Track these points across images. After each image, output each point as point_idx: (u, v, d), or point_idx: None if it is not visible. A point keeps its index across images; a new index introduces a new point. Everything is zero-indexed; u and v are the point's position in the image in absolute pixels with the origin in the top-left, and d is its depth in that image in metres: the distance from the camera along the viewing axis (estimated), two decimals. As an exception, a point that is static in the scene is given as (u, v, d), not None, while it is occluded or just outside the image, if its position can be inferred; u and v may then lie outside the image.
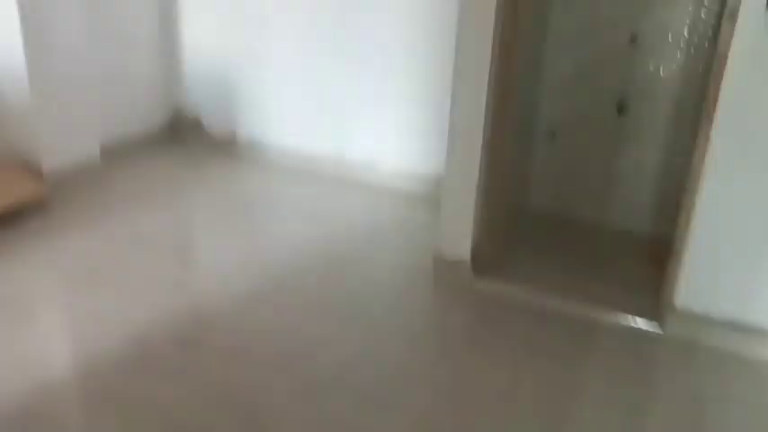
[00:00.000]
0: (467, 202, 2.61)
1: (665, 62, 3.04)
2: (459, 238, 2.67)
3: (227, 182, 3.85)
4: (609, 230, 3.31)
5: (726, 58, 2.12)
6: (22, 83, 3.27)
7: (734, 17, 2.09)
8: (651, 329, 2.49)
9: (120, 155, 3.93)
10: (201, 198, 3.63)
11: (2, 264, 2.76)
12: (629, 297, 2.67)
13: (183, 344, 2.29)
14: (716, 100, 2.16)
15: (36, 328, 2.37)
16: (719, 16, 2.57)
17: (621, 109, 3.18)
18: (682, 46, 2.99)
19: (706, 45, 2.92)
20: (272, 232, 3.24)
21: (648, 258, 3.00)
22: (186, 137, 4.33)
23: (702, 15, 2.91)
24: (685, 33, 2.97)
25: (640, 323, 2.51)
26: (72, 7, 3.42)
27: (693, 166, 2.29)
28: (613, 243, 3.21)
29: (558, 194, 3.44)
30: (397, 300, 2.68)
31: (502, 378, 2.20)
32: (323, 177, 3.91)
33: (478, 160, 2.54)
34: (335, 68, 3.80)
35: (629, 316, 2.54)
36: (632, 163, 3.24)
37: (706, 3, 2.89)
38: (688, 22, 2.95)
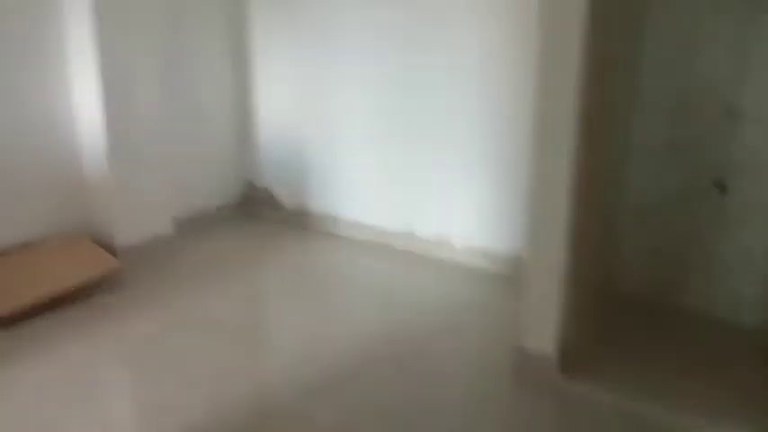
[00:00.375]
0: (551, 289, 2.35)
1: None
2: (544, 329, 2.40)
3: (298, 257, 3.76)
4: (712, 322, 2.94)
5: None
6: (100, 157, 3.34)
7: None
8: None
9: (193, 228, 3.93)
10: (272, 275, 3.54)
11: (70, 341, 2.71)
12: (744, 407, 2.29)
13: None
14: None
15: (94, 413, 2.27)
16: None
17: (721, 187, 2.88)
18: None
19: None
20: (343, 316, 3.06)
21: (765, 360, 2.62)
22: (258, 210, 4.31)
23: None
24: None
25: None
26: (151, 83, 3.51)
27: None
28: (720, 338, 2.83)
29: (650, 279, 3.12)
30: (474, 404, 2.39)
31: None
32: (394, 253, 3.75)
33: (563, 242, 2.30)
34: (406, 141, 3.70)
35: None
36: (738, 248, 2.90)
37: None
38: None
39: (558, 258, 2.32)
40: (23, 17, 3.13)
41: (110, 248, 3.33)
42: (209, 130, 4.08)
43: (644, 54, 2.93)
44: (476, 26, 3.35)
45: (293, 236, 4.01)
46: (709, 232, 2.95)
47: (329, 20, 3.80)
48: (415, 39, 3.54)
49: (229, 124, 4.20)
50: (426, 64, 3.53)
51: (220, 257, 3.66)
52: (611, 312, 3.01)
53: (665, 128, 2.95)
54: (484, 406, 2.36)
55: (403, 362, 2.63)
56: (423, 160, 3.67)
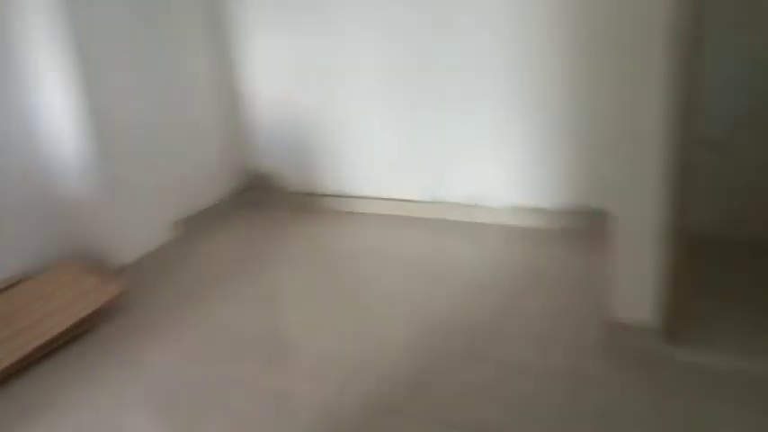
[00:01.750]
0: (649, 249, 1.96)
1: None
2: (643, 297, 2.02)
3: (317, 242, 3.34)
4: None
5: None
6: (84, 172, 2.87)
7: None
8: None
9: (196, 228, 3.49)
10: (292, 268, 3.10)
11: (81, 388, 2.30)
12: None
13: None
14: None
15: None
16: None
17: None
18: None
19: None
20: (382, 299, 2.66)
21: None
22: (263, 198, 3.86)
23: None
24: None
25: None
26: (128, 78, 3.01)
27: None
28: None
29: (739, 216, 2.73)
30: (572, 393, 2.03)
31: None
32: (424, 222, 3.35)
33: (660, 193, 1.90)
34: (423, 101, 3.27)
35: None
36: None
37: None
38: None
39: (657, 214, 1.93)
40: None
41: (109, 270, 2.90)
42: (197, 120, 3.59)
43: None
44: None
45: (307, 220, 3.58)
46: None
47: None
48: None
49: (219, 110, 3.72)
50: (440, 7, 3.07)
51: (230, 258, 3.24)
52: (698, 260, 2.63)
53: (741, 43, 2.53)
54: (585, 393, 1.99)
55: (465, 350, 2.26)
56: (444, 119, 3.25)
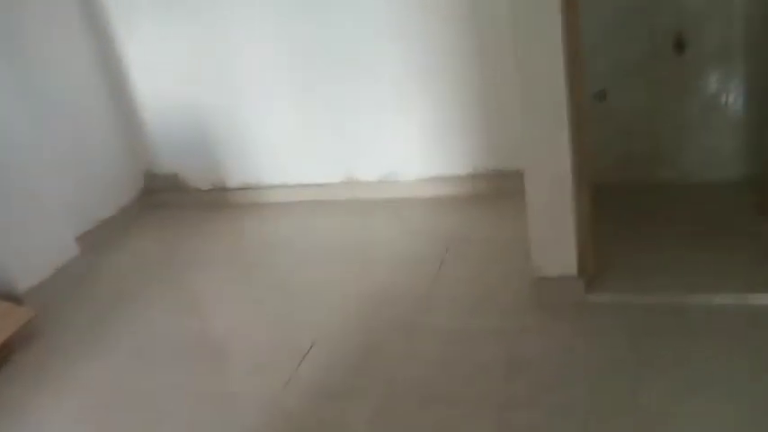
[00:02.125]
0: (563, 204, 2.08)
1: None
2: (563, 251, 2.14)
3: (231, 237, 3.27)
4: (695, 188, 2.82)
5: None
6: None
7: None
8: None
9: (102, 241, 3.31)
10: (209, 267, 3.01)
11: (5, 417, 2.15)
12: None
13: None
14: None
15: None
16: None
17: (680, 45, 2.69)
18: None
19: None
20: (309, 287, 2.65)
21: (759, 211, 2.53)
22: (167, 199, 3.71)
23: None
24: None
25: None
26: (4, 99, 2.79)
27: None
28: (711, 200, 2.72)
29: (621, 160, 2.94)
30: (508, 347, 2.13)
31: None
32: (339, 205, 3.35)
33: (568, 145, 2.02)
34: (325, 83, 3.24)
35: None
36: (702, 104, 2.75)
37: None
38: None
39: (563, 166, 2.04)
40: None
41: (13, 297, 2.70)
42: (85, 127, 3.37)
43: None
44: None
45: (218, 217, 3.48)
46: (670, 97, 2.78)
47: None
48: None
49: (107, 114, 3.51)
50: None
51: (146, 264, 3.11)
52: (601, 206, 2.80)
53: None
54: (522, 346, 2.09)
55: (414, 318, 2.31)
56: (346, 97, 3.24)
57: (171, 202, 3.70)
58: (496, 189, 3.12)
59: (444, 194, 3.23)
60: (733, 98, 2.71)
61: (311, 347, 2.25)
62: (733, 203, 2.64)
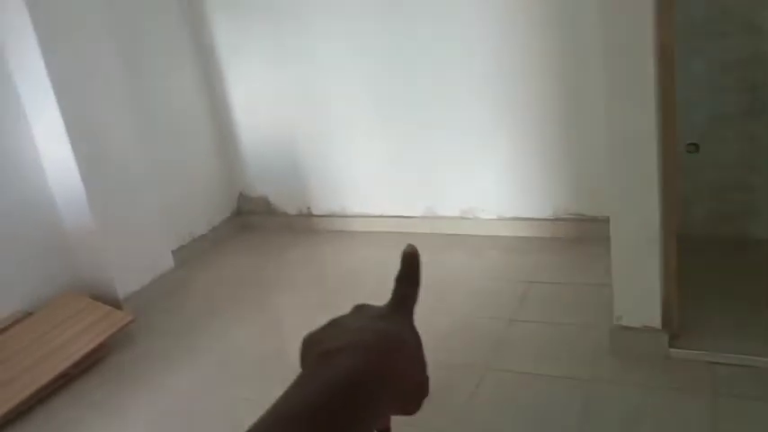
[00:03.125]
0: (650, 250, 2.06)
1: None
2: (647, 301, 2.11)
3: (316, 262, 3.39)
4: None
5: None
6: (80, 203, 2.89)
7: None
8: None
9: (194, 256, 3.52)
10: (292, 290, 3.14)
11: (98, 422, 2.31)
12: None
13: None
14: None
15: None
16: None
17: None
18: None
19: None
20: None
21: None
22: (257, 221, 3.90)
23: None
24: None
25: None
26: (116, 108, 3.04)
27: None
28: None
29: (713, 214, 2.86)
30: (584, 396, 2.10)
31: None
32: (416, 238, 3.37)
33: (657, 195, 2.00)
34: (410, 119, 3.34)
35: None
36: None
37: None
38: None
39: (652, 216, 2.02)
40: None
41: (113, 302, 2.91)
42: (190, 150, 3.64)
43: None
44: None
45: (303, 242, 3.63)
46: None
47: (300, 2, 3.38)
48: (400, 4, 3.16)
49: (209, 136, 3.77)
50: (417, 31, 3.17)
51: (233, 283, 3.27)
52: (687, 259, 2.73)
53: (704, 49, 2.67)
54: (599, 397, 2.06)
55: (487, 359, 2.31)
56: (432, 133, 3.32)
57: (260, 224, 3.89)
58: (577, 234, 3.10)
59: (524, 235, 3.23)
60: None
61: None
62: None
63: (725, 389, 1.97)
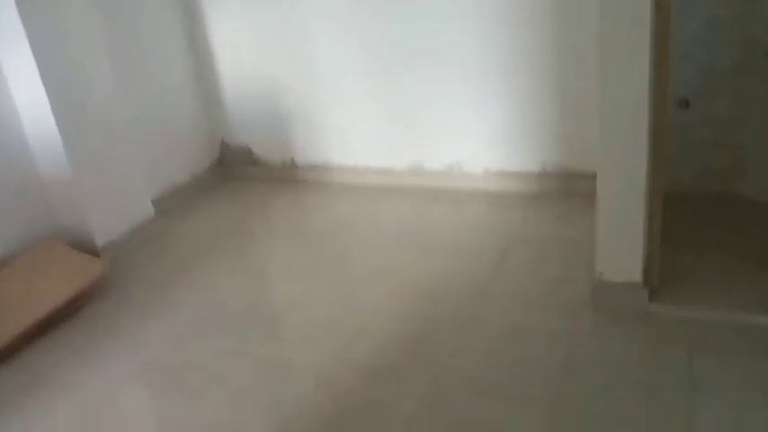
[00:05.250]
0: (635, 208, 2.04)
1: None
2: (629, 255, 2.10)
3: (299, 214, 3.36)
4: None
5: None
6: (57, 150, 2.80)
7: None
8: None
9: (175, 205, 3.46)
10: (275, 241, 3.12)
11: (76, 369, 2.29)
12: None
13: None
14: None
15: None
16: None
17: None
18: None
19: None
20: (369, 269, 2.69)
21: None
22: (239, 171, 3.84)
23: None
24: None
25: None
26: (93, 53, 2.92)
27: None
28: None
29: (700, 171, 2.85)
30: (563, 349, 2.11)
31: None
32: (405, 192, 3.37)
33: (645, 150, 1.97)
34: (399, 70, 3.27)
35: None
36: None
37: None
38: None
39: (640, 172, 2.00)
40: None
41: (91, 250, 2.86)
42: (169, 95, 3.53)
43: None
44: None
45: (287, 193, 3.58)
46: (761, 109, 2.67)
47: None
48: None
49: (190, 84, 3.66)
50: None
51: (212, 233, 3.23)
52: (674, 215, 2.73)
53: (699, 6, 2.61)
54: (575, 353, 2.07)
55: (469, 310, 2.31)
56: (422, 86, 3.25)
57: (243, 175, 3.82)
58: (563, 189, 3.09)
59: (511, 190, 3.21)
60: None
61: (365, 327, 2.30)
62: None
63: (702, 343, 1.99)
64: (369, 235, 3.00)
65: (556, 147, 3.12)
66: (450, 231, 2.94)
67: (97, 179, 2.95)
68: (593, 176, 2.08)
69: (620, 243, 2.10)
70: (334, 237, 3.03)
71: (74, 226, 2.93)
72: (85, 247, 2.87)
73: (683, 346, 2.00)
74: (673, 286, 2.22)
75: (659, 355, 1.99)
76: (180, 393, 2.11)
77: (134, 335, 2.45)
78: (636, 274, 2.11)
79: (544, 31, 2.93)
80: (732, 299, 2.15)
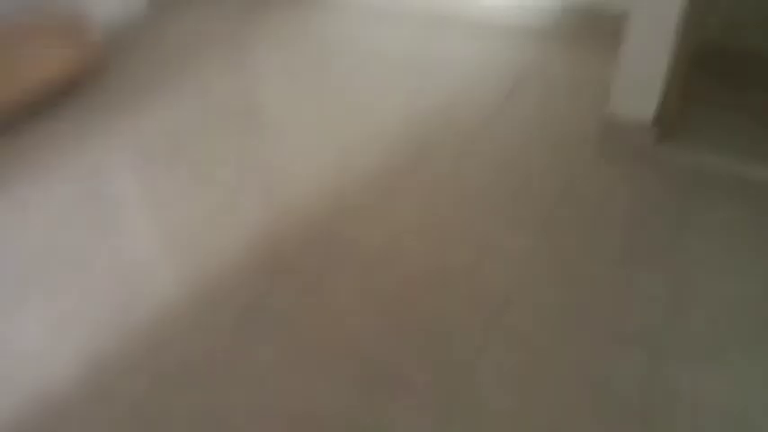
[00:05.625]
0: (662, 48, 2.00)
1: None
2: (645, 95, 2.10)
3: (300, 28, 3.21)
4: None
5: None
6: None
7: None
8: None
9: (171, 4, 3.28)
10: (274, 51, 3.00)
11: (71, 145, 2.28)
12: None
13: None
14: None
15: (125, 226, 1.97)
16: None
17: None
18: None
19: None
20: (369, 92, 2.64)
21: None
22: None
23: None
24: None
25: None
26: None
27: None
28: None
29: (732, 23, 2.75)
30: (564, 180, 2.16)
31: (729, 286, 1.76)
32: (414, 17, 3.23)
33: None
34: None
35: None
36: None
37: None
38: None
39: (673, 14, 1.93)
40: None
41: (86, 34, 2.73)
42: None
43: None
44: None
45: (290, 5, 3.40)
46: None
47: None
48: None
49: None
50: None
51: (212, 35, 3.09)
52: (700, 73, 2.68)
53: None
54: (574, 183, 2.13)
55: (464, 146, 2.33)
56: None
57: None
58: (585, 28, 3.00)
59: (528, 25, 3.10)
60: None
61: (359, 146, 2.30)
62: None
63: (698, 189, 2.06)
64: (369, 57, 2.89)
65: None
66: (457, 62, 2.86)
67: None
68: (618, 16, 2.02)
69: (640, 81, 2.09)
70: (335, 57, 2.92)
71: (68, 7, 2.77)
72: (80, 31, 2.73)
73: (679, 188, 2.07)
74: (682, 135, 2.25)
75: (654, 193, 2.06)
76: (179, 182, 2.14)
77: (123, 127, 2.41)
78: (647, 115, 2.13)
79: None
80: (736, 153, 2.18)
